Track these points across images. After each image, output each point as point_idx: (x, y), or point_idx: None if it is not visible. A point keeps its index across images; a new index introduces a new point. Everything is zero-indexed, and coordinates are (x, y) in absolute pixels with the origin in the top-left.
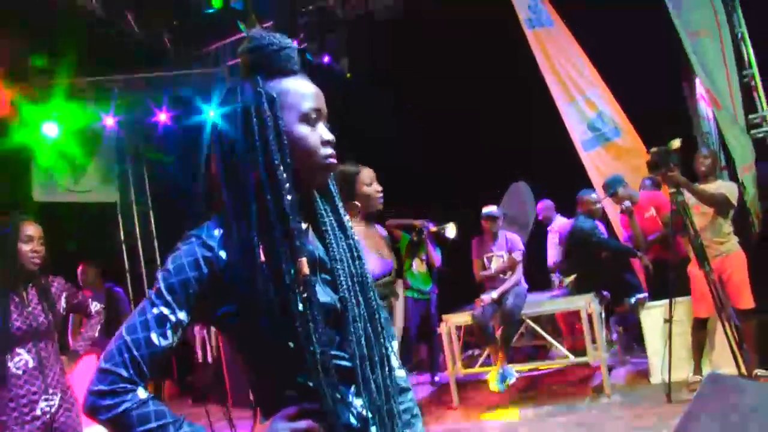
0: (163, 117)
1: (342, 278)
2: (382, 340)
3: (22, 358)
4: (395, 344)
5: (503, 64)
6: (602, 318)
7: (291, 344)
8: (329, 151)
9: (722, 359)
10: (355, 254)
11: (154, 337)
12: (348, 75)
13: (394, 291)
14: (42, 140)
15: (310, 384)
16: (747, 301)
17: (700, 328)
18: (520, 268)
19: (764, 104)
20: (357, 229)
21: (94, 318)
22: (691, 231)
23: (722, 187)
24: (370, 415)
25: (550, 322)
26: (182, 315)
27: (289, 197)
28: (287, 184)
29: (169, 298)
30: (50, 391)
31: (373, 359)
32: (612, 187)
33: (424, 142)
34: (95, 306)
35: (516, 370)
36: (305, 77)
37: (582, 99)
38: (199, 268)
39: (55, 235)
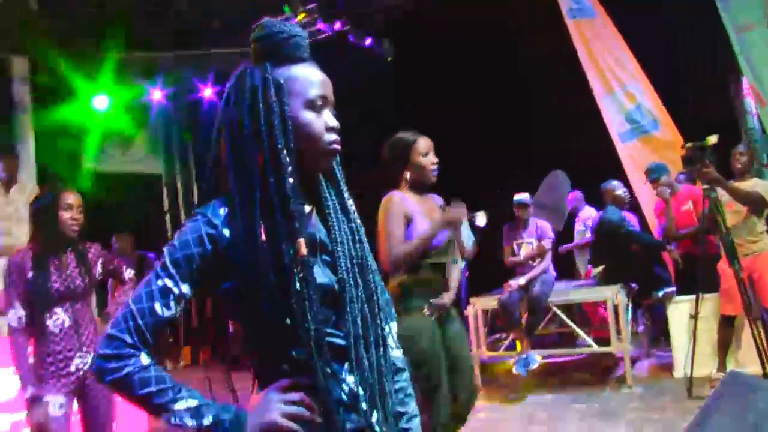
0: (208, 92)
1: (341, 260)
2: (378, 321)
3: (59, 317)
4: (394, 326)
5: (543, 54)
6: (629, 309)
7: (287, 321)
8: (333, 137)
9: (748, 358)
10: (357, 237)
11: (157, 307)
12: (389, 58)
13: (453, 256)
14: (93, 113)
15: (304, 359)
16: None
17: (727, 326)
18: (549, 256)
19: None
20: (408, 196)
21: (127, 284)
22: (723, 228)
23: (758, 185)
24: (361, 392)
25: (579, 311)
26: (185, 288)
27: (291, 180)
28: (290, 168)
29: (173, 271)
30: (84, 349)
31: (368, 339)
32: (656, 173)
33: (460, 129)
34: (129, 273)
35: (540, 357)
36: (314, 65)
37: (621, 91)
38: (202, 245)
39: (103, 203)
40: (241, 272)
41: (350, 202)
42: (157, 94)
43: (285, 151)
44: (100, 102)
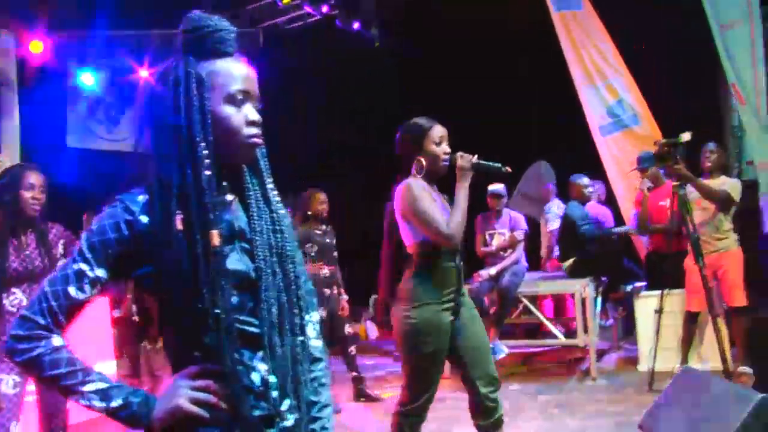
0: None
1: (259, 249)
2: (296, 310)
3: (16, 297)
4: (315, 315)
5: (526, 44)
6: (597, 303)
7: (199, 306)
8: (253, 131)
9: (710, 353)
10: (277, 227)
11: (71, 290)
12: (377, 44)
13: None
14: (79, 89)
15: (215, 346)
16: (740, 299)
17: (691, 322)
18: (520, 247)
19: None
20: (421, 185)
21: None
22: (690, 225)
23: (726, 183)
24: (273, 380)
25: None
26: (100, 272)
27: (208, 172)
28: (207, 161)
29: (89, 255)
30: None
31: (284, 327)
32: (646, 163)
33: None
34: None
35: (507, 347)
36: (239, 59)
37: (603, 84)
38: (119, 230)
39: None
40: (157, 258)
41: (273, 193)
42: (144, 72)
43: (203, 144)
44: (86, 79)
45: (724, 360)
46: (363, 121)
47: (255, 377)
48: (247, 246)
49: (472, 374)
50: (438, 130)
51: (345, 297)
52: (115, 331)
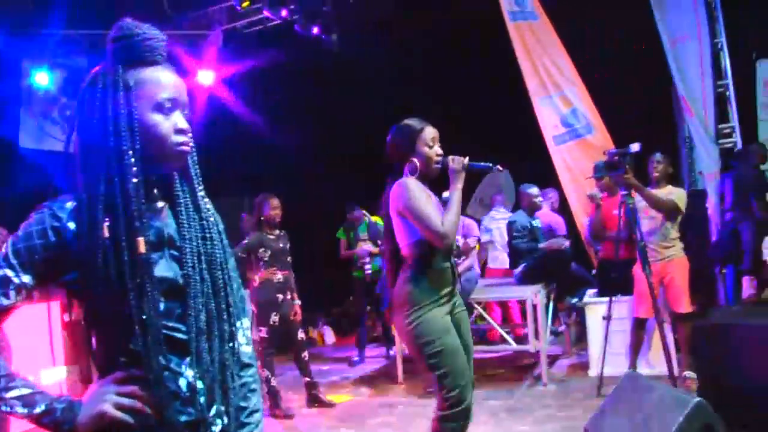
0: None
1: (188, 256)
2: (225, 316)
3: None
4: (246, 321)
5: (481, 53)
6: (549, 309)
7: (125, 313)
8: (182, 138)
9: (658, 359)
10: (207, 234)
11: None
12: (336, 50)
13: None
14: (33, 89)
15: (141, 351)
16: (685, 305)
17: (639, 328)
18: (473, 254)
19: (735, 116)
20: (417, 183)
21: None
22: (637, 234)
23: (673, 192)
24: (200, 385)
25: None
26: (26, 278)
27: (135, 180)
28: (134, 168)
29: (14, 261)
30: None
31: (212, 333)
32: (602, 171)
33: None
34: None
35: None
36: (168, 68)
37: (558, 94)
38: (45, 237)
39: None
40: (84, 265)
41: (204, 200)
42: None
43: (130, 152)
44: (41, 78)
45: (669, 365)
46: (324, 125)
47: (182, 383)
48: (176, 253)
49: None
50: (430, 132)
51: (298, 302)
52: (66, 335)
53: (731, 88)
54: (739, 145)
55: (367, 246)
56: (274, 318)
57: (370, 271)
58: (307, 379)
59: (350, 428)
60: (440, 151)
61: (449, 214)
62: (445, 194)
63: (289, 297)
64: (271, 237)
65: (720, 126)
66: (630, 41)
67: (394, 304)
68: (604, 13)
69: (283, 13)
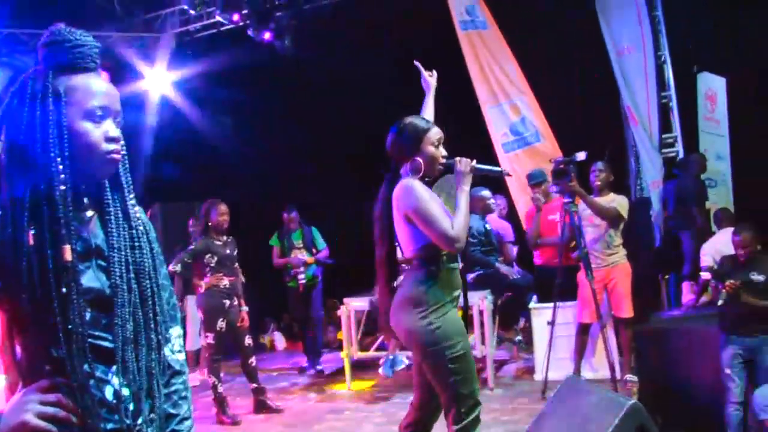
0: (102, 76)
1: (116, 266)
2: (153, 325)
3: None
4: (177, 329)
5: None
6: (494, 315)
7: (50, 322)
8: (112, 147)
9: (602, 363)
10: (136, 244)
11: None
12: (288, 55)
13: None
14: None
15: (65, 360)
16: (628, 310)
17: (583, 332)
18: None
19: (678, 126)
20: (423, 186)
21: None
22: (580, 241)
23: (615, 200)
24: (127, 393)
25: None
26: None
27: (62, 188)
28: (61, 176)
29: None
30: None
31: (140, 342)
32: (537, 178)
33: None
34: None
35: (407, 358)
36: (99, 75)
37: (507, 103)
38: None
39: None
40: (7, 272)
41: (134, 209)
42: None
43: (58, 159)
44: None
45: (612, 369)
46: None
47: (108, 391)
48: (103, 264)
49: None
50: (436, 132)
51: (245, 308)
52: (4, 344)
53: (674, 99)
54: (681, 155)
55: (301, 255)
56: (221, 324)
57: (304, 281)
58: (255, 385)
59: None
60: (445, 153)
61: (459, 216)
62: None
63: (236, 303)
64: (219, 243)
65: (663, 136)
66: (578, 51)
67: (400, 305)
68: (553, 23)
69: (235, 17)
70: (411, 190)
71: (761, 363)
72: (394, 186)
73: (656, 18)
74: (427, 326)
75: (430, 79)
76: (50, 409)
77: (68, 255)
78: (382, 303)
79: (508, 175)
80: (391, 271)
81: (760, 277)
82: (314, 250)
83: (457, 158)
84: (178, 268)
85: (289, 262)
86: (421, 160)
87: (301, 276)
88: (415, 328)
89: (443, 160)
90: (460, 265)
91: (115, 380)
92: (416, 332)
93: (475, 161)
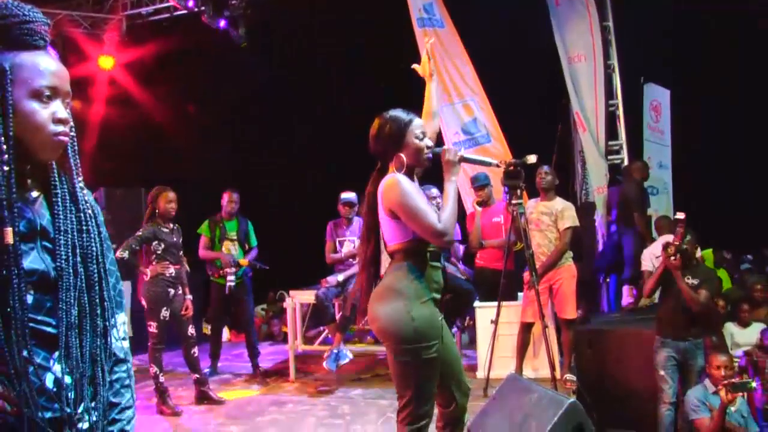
0: (51, 54)
1: (62, 248)
2: (99, 311)
3: None
4: (122, 316)
5: (387, 56)
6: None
7: None
8: (60, 128)
9: (542, 362)
10: (84, 227)
11: None
12: (243, 44)
13: None
14: None
15: (2, 345)
16: (571, 312)
17: (526, 331)
18: None
19: (624, 134)
20: (408, 180)
21: None
22: (526, 242)
23: (561, 205)
24: (69, 381)
25: None
26: None
27: (6, 168)
28: (5, 156)
29: None
30: None
31: (84, 328)
32: (480, 182)
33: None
34: None
35: (352, 353)
36: (48, 54)
37: (460, 102)
38: None
39: None
40: None
41: (83, 192)
42: None
43: (1, 139)
44: None
45: (552, 368)
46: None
47: (48, 378)
48: (49, 245)
49: (450, 384)
50: (419, 123)
51: (189, 297)
52: None
53: (621, 107)
54: (626, 162)
55: (233, 248)
56: (165, 313)
57: (233, 283)
58: (197, 375)
59: (239, 426)
60: (431, 143)
61: (446, 209)
62: (349, 195)
63: (180, 292)
64: (165, 230)
65: (610, 143)
66: (531, 56)
67: (379, 296)
68: (508, 27)
69: (190, 3)
70: (395, 183)
71: (693, 366)
72: (379, 182)
73: (607, 28)
74: (406, 320)
75: (427, 64)
76: None
77: (9, 238)
78: (362, 302)
79: (498, 165)
80: (376, 270)
81: (694, 281)
82: (246, 246)
83: (445, 147)
84: (126, 254)
85: (219, 257)
86: (403, 156)
87: (231, 278)
88: (393, 320)
89: (429, 150)
90: (447, 267)
91: (57, 367)
92: (394, 325)
93: (463, 150)
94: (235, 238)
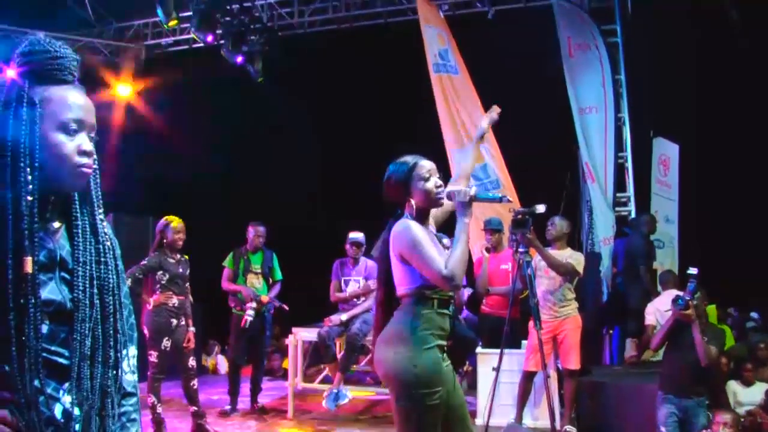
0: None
1: (79, 279)
2: (112, 342)
3: None
4: (132, 349)
5: (406, 100)
6: None
7: (2, 334)
8: (85, 161)
9: (543, 412)
10: (102, 258)
11: None
12: (260, 80)
13: None
14: None
15: (14, 374)
16: (574, 362)
17: (527, 380)
18: (372, 296)
19: (632, 186)
20: (419, 226)
21: None
22: (531, 291)
23: (572, 256)
24: (77, 412)
25: None
26: None
27: (30, 198)
28: (30, 186)
29: None
30: None
31: (96, 360)
32: (491, 225)
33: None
34: None
35: (351, 392)
36: (78, 88)
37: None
38: None
39: None
40: None
41: (103, 224)
42: (11, 72)
43: (27, 170)
44: None
45: (552, 418)
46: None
47: (57, 409)
48: (67, 276)
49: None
50: (424, 165)
51: (192, 329)
52: None
53: (630, 160)
54: (633, 214)
55: (257, 282)
56: (166, 343)
57: (251, 318)
58: (195, 408)
59: None
60: (440, 182)
61: (454, 252)
62: (357, 235)
63: (183, 323)
64: (172, 261)
65: (617, 194)
66: (543, 106)
67: (385, 341)
68: (521, 76)
69: (209, 38)
70: (407, 229)
71: (695, 425)
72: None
73: (619, 81)
74: (409, 366)
75: (486, 119)
76: None
77: (29, 267)
78: (373, 340)
79: (509, 201)
80: (388, 315)
81: (704, 338)
82: (270, 280)
83: (456, 188)
84: (129, 282)
85: (240, 292)
86: (413, 201)
87: (250, 312)
88: (396, 365)
89: (438, 190)
90: (460, 314)
91: (67, 398)
92: (397, 370)
93: (474, 189)
94: (260, 271)
